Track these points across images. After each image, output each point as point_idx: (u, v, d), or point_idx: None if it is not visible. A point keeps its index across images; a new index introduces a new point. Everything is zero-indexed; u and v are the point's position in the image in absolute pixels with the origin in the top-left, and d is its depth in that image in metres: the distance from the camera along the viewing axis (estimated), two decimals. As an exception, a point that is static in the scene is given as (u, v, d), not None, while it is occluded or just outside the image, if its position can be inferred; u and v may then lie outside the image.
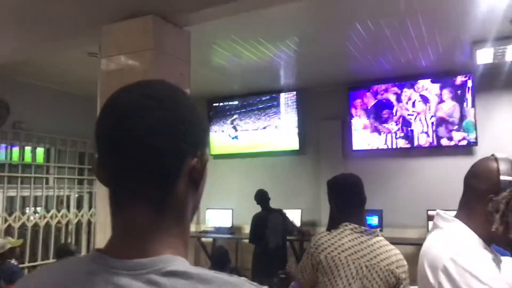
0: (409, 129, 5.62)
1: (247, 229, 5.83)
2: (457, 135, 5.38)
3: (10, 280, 3.83)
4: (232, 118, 6.70)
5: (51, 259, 5.41)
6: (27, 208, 5.49)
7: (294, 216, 5.85)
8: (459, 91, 5.37)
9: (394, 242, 2.19)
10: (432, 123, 5.49)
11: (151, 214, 0.66)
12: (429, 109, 5.50)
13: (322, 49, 4.59)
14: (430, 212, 5.20)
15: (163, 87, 0.71)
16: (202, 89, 6.11)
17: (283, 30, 4.06)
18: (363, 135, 5.86)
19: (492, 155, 1.31)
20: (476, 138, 5.27)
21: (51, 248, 5.55)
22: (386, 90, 5.73)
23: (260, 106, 6.51)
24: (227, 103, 6.74)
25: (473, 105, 5.29)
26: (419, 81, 5.54)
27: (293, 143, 6.28)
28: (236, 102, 6.68)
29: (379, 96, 5.78)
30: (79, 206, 6.11)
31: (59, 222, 5.67)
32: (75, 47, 3.60)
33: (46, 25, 3.23)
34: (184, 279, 0.60)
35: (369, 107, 5.83)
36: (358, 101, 5.87)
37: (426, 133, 5.53)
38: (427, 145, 5.53)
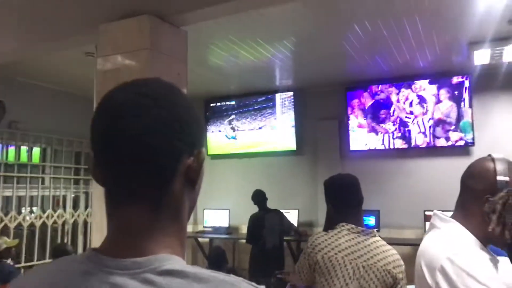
0: (406, 129, 5.62)
1: (244, 229, 5.82)
2: (454, 136, 5.38)
3: (6, 280, 3.81)
4: (230, 118, 6.69)
5: (48, 259, 5.39)
6: (23, 208, 5.47)
7: (291, 216, 5.85)
8: (456, 92, 5.38)
9: (391, 242, 2.19)
10: (429, 123, 5.50)
11: (147, 213, 0.65)
12: (427, 110, 5.51)
13: (320, 49, 4.59)
14: (427, 213, 5.20)
15: (159, 86, 0.70)
16: (199, 89, 6.11)
17: (280, 30, 4.05)
18: (360, 135, 5.86)
19: (489, 155, 1.31)
20: (473, 139, 5.28)
21: (47, 248, 5.53)
22: (383, 91, 5.74)
23: (258, 106, 6.50)
24: (224, 103, 6.73)
25: (470, 106, 5.30)
26: (416, 81, 5.55)
27: (290, 143, 6.28)
28: (233, 102, 6.67)
29: (376, 97, 5.78)
30: (75, 206, 6.09)
31: (55, 222, 5.65)
32: (72, 46, 3.59)
33: (43, 25, 3.22)
34: (180, 278, 0.60)
35: (366, 107, 5.83)
36: (355, 101, 5.87)
37: (424, 133, 5.53)
38: (424, 145, 5.54)
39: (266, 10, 3.45)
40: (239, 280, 0.62)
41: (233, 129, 6.66)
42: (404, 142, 5.64)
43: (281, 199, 5.93)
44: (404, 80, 5.60)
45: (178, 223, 0.68)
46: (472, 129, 5.29)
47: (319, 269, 1.95)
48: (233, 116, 6.67)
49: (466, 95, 5.32)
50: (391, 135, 5.70)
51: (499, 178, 1.24)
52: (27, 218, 5.35)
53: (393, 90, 5.68)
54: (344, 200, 2.11)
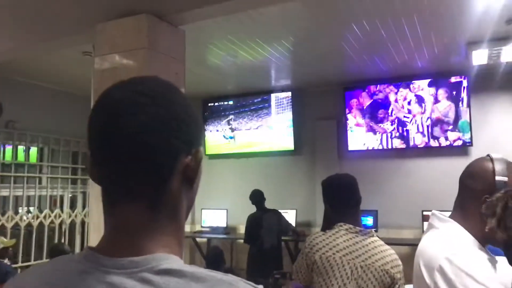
0: (404, 129, 5.63)
1: (242, 229, 5.82)
2: (452, 135, 5.39)
3: (3, 280, 3.80)
4: (228, 118, 6.69)
5: (45, 259, 5.38)
6: (20, 207, 5.45)
7: (289, 216, 5.84)
8: (454, 92, 5.39)
9: (389, 242, 2.19)
10: (428, 123, 5.50)
11: (144, 212, 0.65)
12: (425, 109, 5.52)
13: (318, 49, 4.58)
14: (425, 213, 5.21)
15: (156, 84, 0.70)
16: (198, 88, 6.10)
17: (278, 30, 4.05)
18: (359, 135, 5.86)
19: (488, 155, 1.31)
20: (471, 138, 5.29)
21: (44, 248, 5.51)
22: (381, 90, 5.74)
23: (256, 107, 6.50)
24: (222, 103, 6.73)
25: (468, 106, 5.31)
26: (414, 81, 5.55)
27: (288, 143, 6.28)
28: (231, 102, 6.67)
29: (374, 96, 5.78)
30: (72, 206, 6.08)
31: (52, 222, 5.63)
32: (69, 45, 3.58)
33: (40, 24, 3.21)
34: (177, 277, 0.59)
35: (364, 107, 5.83)
36: (354, 101, 5.88)
37: (422, 133, 5.54)
38: (422, 145, 5.54)
39: (265, 9, 3.45)
40: (237, 280, 0.62)
41: (231, 129, 6.66)
42: (402, 142, 5.64)
43: (279, 199, 5.93)
44: (402, 80, 5.60)
45: (176, 222, 0.68)
46: (470, 129, 5.30)
47: (317, 269, 1.95)
48: (231, 116, 6.66)
49: (464, 95, 5.33)
50: (389, 134, 5.71)
51: (497, 178, 1.24)
52: (24, 218, 5.34)
53: (392, 90, 5.69)
54: (342, 200, 2.10)
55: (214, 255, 5.10)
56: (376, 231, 4.91)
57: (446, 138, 5.42)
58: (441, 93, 5.44)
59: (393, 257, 1.98)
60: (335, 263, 1.92)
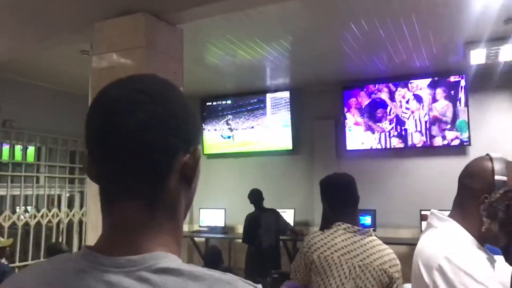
0: (402, 128, 5.64)
1: (240, 229, 5.82)
2: (450, 134, 5.40)
3: (1, 279, 3.79)
4: (226, 117, 6.68)
5: (42, 259, 5.36)
6: (18, 207, 5.44)
7: (288, 215, 5.84)
8: (452, 91, 5.40)
9: (387, 242, 2.19)
10: (426, 122, 5.51)
11: (142, 211, 0.65)
12: (423, 108, 5.53)
13: (317, 48, 4.58)
14: (423, 212, 5.22)
15: (154, 82, 0.70)
16: (196, 88, 6.09)
17: (277, 30, 4.05)
18: (357, 134, 5.87)
19: (487, 154, 1.31)
20: (469, 137, 5.30)
21: (42, 247, 5.50)
22: (380, 90, 5.75)
23: (254, 106, 6.50)
24: (220, 102, 6.72)
25: (466, 105, 5.32)
26: (413, 80, 5.56)
27: (287, 143, 6.28)
28: (229, 102, 6.66)
29: (373, 96, 5.79)
30: (70, 205, 6.07)
31: (50, 221, 5.62)
32: (67, 44, 3.56)
33: (38, 22, 3.20)
34: (175, 276, 0.59)
35: (363, 106, 5.84)
36: (352, 100, 5.89)
37: (420, 132, 5.55)
38: (420, 144, 5.55)
39: (264, 8, 3.44)
40: (236, 279, 0.61)
41: (230, 129, 6.65)
42: (400, 141, 5.65)
43: (277, 198, 5.93)
44: (400, 79, 5.61)
45: (174, 221, 0.68)
46: (468, 129, 5.31)
47: (315, 268, 1.94)
48: (229, 116, 6.65)
49: (462, 94, 5.34)
50: (387, 133, 5.71)
51: (497, 177, 1.23)
52: (22, 217, 5.32)
53: (390, 89, 5.69)
54: (340, 199, 2.10)
55: (212, 255, 5.09)
56: (374, 230, 4.90)
57: (444, 137, 5.43)
58: (439, 92, 5.45)
59: (391, 257, 1.98)
60: (333, 262, 1.92)
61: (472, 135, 5.30)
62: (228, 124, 6.66)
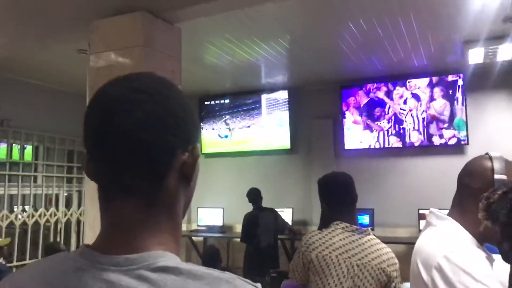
0: (401, 126, 5.65)
1: (238, 228, 5.82)
2: (447, 133, 5.42)
3: (-2, 279, 3.78)
4: (224, 116, 6.67)
5: (40, 258, 5.35)
6: (15, 206, 5.42)
7: (286, 215, 5.84)
8: (450, 90, 5.41)
9: (386, 241, 2.19)
10: (424, 120, 5.53)
11: (141, 209, 0.64)
12: (421, 107, 5.54)
13: (315, 47, 4.58)
14: (421, 211, 5.22)
15: (152, 80, 0.69)
16: (194, 87, 6.09)
17: (275, 29, 4.04)
18: (356, 133, 5.87)
19: (487, 153, 1.31)
20: (466, 136, 5.31)
21: (39, 247, 5.49)
22: (378, 89, 5.76)
23: (252, 106, 6.49)
24: (218, 101, 6.71)
25: (464, 104, 5.33)
26: (411, 79, 5.57)
27: (285, 142, 6.28)
28: (227, 101, 6.66)
29: (371, 94, 5.80)
30: (68, 205, 6.06)
31: (47, 221, 5.61)
32: (65, 43, 3.56)
33: (35, 21, 3.19)
34: (174, 275, 0.59)
35: (361, 105, 5.85)
36: (351, 99, 5.90)
37: (418, 130, 5.56)
38: (418, 143, 5.56)
39: (262, 7, 3.44)
40: (234, 277, 0.61)
41: (229, 129, 6.65)
42: (398, 139, 5.66)
43: (275, 197, 5.92)
44: (399, 78, 5.62)
45: (172, 220, 0.68)
46: (466, 128, 5.32)
47: (313, 268, 1.94)
48: (227, 116, 6.65)
49: (459, 94, 5.35)
50: (386, 132, 5.72)
51: (496, 176, 1.23)
52: (19, 216, 5.31)
53: (388, 88, 5.70)
54: (338, 198, 2.09)
55: (210, 254, 5.10)
56: (372, 229, 4.92)
57: (442, 136, 5.44)
58: (437, 91, 5.47)
59: (389, 256, 1.98)
60: (332, 261, 1.92)
61: (470, 134, 5.31)
62: (226, 124, 6.66)
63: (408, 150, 5.69)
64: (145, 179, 0.64)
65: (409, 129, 5.60)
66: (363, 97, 5.84)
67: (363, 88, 5.84)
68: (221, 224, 6.41)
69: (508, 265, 1.04)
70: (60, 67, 5.02)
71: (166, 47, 2.81)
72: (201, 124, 6.71)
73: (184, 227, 6.30)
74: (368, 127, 5.82)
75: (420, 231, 1.41)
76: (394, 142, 5.68)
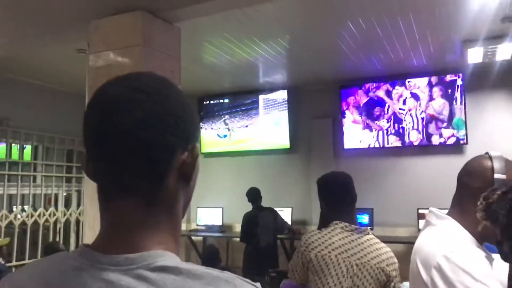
0: (400, 126, 5.66)
1: (237, 228, 5.82)
2: (446, 132, 5.42)
3: (-3, 279, 3.77)
4: (223, 116, 6.67)
5: (39, 258, 5.35)
6: (14, 206, 5.42)
7: (285, 214, 5.84)
8: (449, 90, 5.41)
9: (385, 240, 2.19)
10: (423, 120, 5.53)
11: (140, 209, 0.64)
12: (420, 106, 5.55)
13: (314, 47, 4.58)
14: (420, 211, 5.22)
15: (152, 80, 0.69)
16: (193, 86, 6.08)
17: (275, 28, 4.04)
18: (355, 132, 5.88)
19: (486, 153, 1.31)
20: (465, 135, 5.31)
21: (39, 247, 5.48)
22: (377, 88, 5.76)
23: (251, 105, 6.49)
24: (217, 101, 6.71)
25: (463, 103, 5.34)
26: (410, 79, 5.57)
27: (284, 142, 6.28)
28: (227, 100, 6.65)
29: (371, 94, 5.81)
30: (67, 205, 6.05)
31: (47, 220, 5.60)
32: (64, 42, 3.56)
33: (35, 20, 3.19)
34: (174, 274, 0.59)
35: (361, 105, 5.86)
36: (351, 98, 5.90)
37: (417, 129, 5.57)
38: (417, 142, 5.57)
39: (261, 7, 3.44)
40: (234, 277, 0.61)
41: (228, 129, 6.64)
42: (398, 138, 5.66)
43: (274, 197, 5.92)
44: (398, 78, 5.62)
45: (172, 219, 0.68)
46: (465, 127, 5.32)
47: (313, 267, 1.94)
48: (227, 116, 6.65)
49: (458, 93, 5.36)
50: (385, 131, 5.73)
51: (496, 176, 1.23)
52: (19, 216, 5.31)
53: (387, 88, 5.71)
54: (337, 198, 2.10)
55: (209, 254, 5.09)
56: (371, 229, 4.93)
57: (441, 135, 5.45)
58: (436, 91, 5.47)
59: (388, 255, 1.98)
60: (331, 261, 1.92)
61: (469, 134, 5.31)
62: (225, 124, 6.65)
63: (407, 149, 5.69)
64: (144, 179, 0.64)
65: (408, 128, 5.61)
66: (363, 96, 5.85)
67: (363, 88, 5.84)
68: (220, 223, 6.41)
69: (507, 264, 1.04)
70: (60, 67, 5.01)
71: (165, 46, 2.81)
72: (201, 123, 6.71)
73: (183, 226, 6.30)
74: (367, 126, 5.83)
75: (419, 230, 1.41)
76: (394, 141, 5.69)
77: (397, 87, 5.66)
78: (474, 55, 4.60)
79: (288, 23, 3.95)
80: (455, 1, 3.51)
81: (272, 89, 6.28)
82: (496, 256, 1.21)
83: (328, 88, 6.02)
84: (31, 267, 0.73)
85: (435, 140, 5.48)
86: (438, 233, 1.30)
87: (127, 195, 0.64)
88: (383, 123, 5.74)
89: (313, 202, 5.45)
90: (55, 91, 5.80)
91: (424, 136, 5.53)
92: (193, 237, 6.45)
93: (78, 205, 6.10)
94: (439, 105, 5.46)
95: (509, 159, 1.30)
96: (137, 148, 0.63)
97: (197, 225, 6.57)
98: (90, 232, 2.75)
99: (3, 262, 4.33)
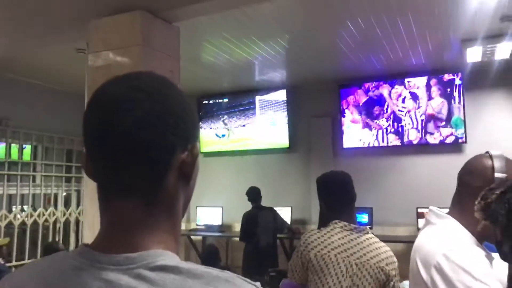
0: (399, 124, 5.67)
1: (237, 227, 5.82)
2: (444, 131, 5.43)
3: (-3, 279, 3.77)
4: (222, 115, 6.67)
5: (39, 258, 5.34)
6: (14, 206, 5.41)
7: (284, 214, 5.84)
8: (448, 89, 5.42)
9: (384, 239, 2.19)
10: (422, 119, 5.54)
11: (140, 208, 0.64)
12: (419, 106, 5.56)
13: (313, 46, 4.58)
14: (420, 210, 5.23)
15: (151, 79, 0.69)
16: (192, 86, 6.08)
17: (274, 28, 4.04)
18: (355, 131, 5.88)
19: (487, 152, 1.31)
20: (464, 134, 5.32)
21: (38, 246, 5.48)
22: (377, 87, 5.77)
23: (250, 105, 6.49)
24: (216, 100, 6.71)
25: (461, 102, 5.34)
26: (409, 78, 5.58)
27: (283, 141, 6.28)
28: (226, 100, 6.66)
29: (370, 93, 5.81)
30: (67, 204, 6.05)
31: (46, 220, 5.60)
32: (63, 42, 3.55)
33: (34, 20, 3.18)
34: (173, 274, 0.59)
35: (360, 104, 5.86)
36: (350, 98, 5.91)
37: (416, 128, 5.58)
38: (417, 141, 5.57)
39: (260, 7, 3.44)
40: (234, 276, 0.61)
41: (227, 128, 6.64)
42: (397, 137, 5.67)
43: (274, 196, 5.92)
44: (397, 77, 5.63)
45: (172, 219, 0.68)
46: (464, 126, 5.32)
47: (312, 267, 1.94)
48: (226, 116, 6.65)
49: (456, 92, 5.36)
50: (384, 130, 5.73)
51: (496, 175, 1.23)
52: (18, 216, 5.30)
53: (386, 87, 5.71)
54: (337, 197, 2.09)
55: (209, 253, 5.09)
56: (371, 228, 4.94)
57: (440, 134, 5.46)
58: (435, 90, 5.48)
59: (388, 254, 1.98)
60: (330, 261, 1.92)
61: (468, 133, 5.31)
62: (224, 123, 6.66)
63: (406, 148, 5.69)
64: (144, 178, 0.64)
65: (408, 127, 5.61)
66: (362, 95, 5.85)
67: (362, 87, 5.85)
68: (220, 223, 6.41)
69: (507, 264, 1.04)
70: (59, 67, 5.01)
71: (164, 46, 2.81)
72: (200, 123, 6.71)
73: (183, 226, 6.30)
74: (367, 125, 5.83)
75: (418, 229, 1.41)
76: (393, 140, 5.70)
77: (396, 86, 5.67)
78: (473, 54, 4.61)
79: (287, 23, 3.95)
80: (453, 0, 3.51)
81: (271, 88, 6.27)
82: (496, 256, 1.21)
83: (327, 87, 6.02)
84: (30, 267, 0.73)
85: (434, 139, 5.49)
86: (438, 232, 1.30)
87: (127, 195, 0.64)
88: (383, 122, 5.74)
89: (313, 201, 5.45)
90: (55, 91, 5.80)
91: (423, 135, 5.54)
92: (192, 237, 6.45)
93: (78, 204, 6.09)
94: (438, 104, 5.47)
95: (509, 158, 1.30)
96: (137, 148, 0.63)
97: (197, 224, 6.57)
98: (90, 231, 2.75)
99: (2, 262, 4.32)
